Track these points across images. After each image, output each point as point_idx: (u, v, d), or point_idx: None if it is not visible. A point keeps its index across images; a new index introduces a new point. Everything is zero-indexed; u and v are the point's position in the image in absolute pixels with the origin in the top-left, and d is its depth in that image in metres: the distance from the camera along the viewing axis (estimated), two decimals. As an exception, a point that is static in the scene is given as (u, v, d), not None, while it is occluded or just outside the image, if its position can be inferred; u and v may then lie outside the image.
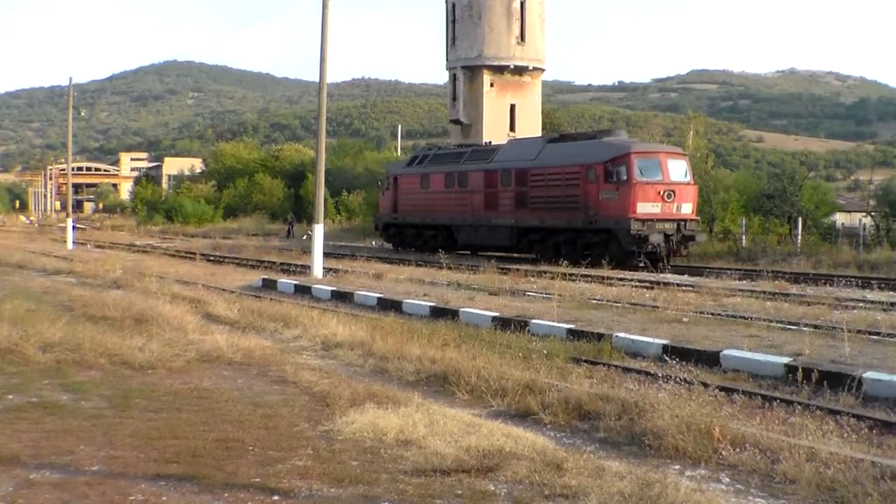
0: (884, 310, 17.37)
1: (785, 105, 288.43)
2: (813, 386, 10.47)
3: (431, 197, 38.50)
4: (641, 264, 28.61)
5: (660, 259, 29.19)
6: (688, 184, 30.58)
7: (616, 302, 18.93)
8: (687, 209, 30.13)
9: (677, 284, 21.95)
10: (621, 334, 13.90)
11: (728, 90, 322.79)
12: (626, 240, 28.87)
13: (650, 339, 13.46)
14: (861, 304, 18.43)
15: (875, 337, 13.81)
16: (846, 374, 10.53)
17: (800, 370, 10.80)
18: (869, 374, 10.52)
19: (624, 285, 22.81)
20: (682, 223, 29.77)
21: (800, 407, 9.29)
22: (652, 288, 22.01)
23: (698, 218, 31.58)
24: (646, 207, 29.16)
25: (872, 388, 10.28)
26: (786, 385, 10.89)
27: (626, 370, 11.88)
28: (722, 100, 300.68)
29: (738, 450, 7.68)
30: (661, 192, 29.34)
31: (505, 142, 39.53)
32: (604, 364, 12.17)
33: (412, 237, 39.97)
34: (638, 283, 23.26)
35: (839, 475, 6.91)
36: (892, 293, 20.78)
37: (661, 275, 25.28)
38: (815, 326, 14.83)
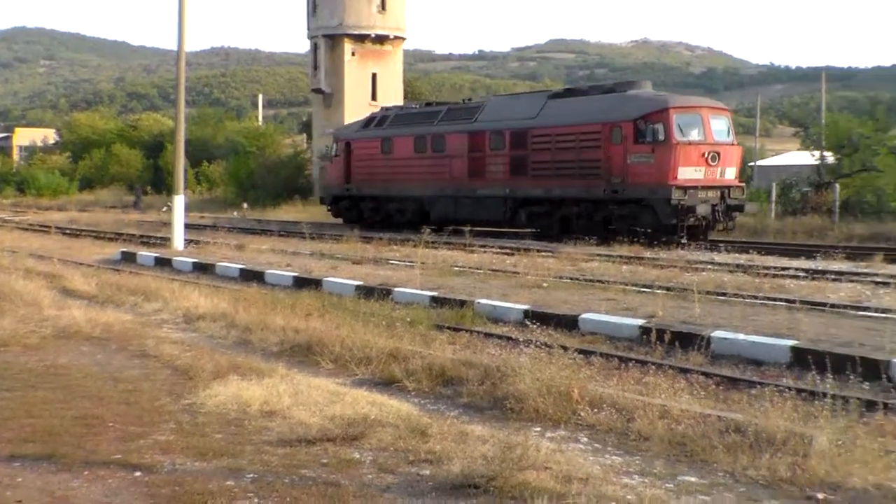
0: (730, 271, 18.11)
1: (638, 74, 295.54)
2: (666, 346, 10.90)
3: (396, 164, 33.34)
4: (683, 240, 24.69)
5: (702, 233, 25.68)
6: (731, 144, 26.59)
7: (478, 268, 19.19)
8: (731, 174, 26.18)
9: (537, 250, 22.38)
10: (483, 300, 14.13)
11: (585, 59, 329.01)
12: (664, 211, 24.58)
13: (511, 305, 13.72)
14: (710, 267, 19.16)
15: (722, 297, 14.41)
16: (696, 334, 10.99)
17: (653, 331, 11.25)
18: (717, 334, 11.01)
19: (485, 252, 23.13)
20: (727, 191, 25.73)
21: (654, 367, 9.67)
22: (512, 254, 22.39)
23: (743, 184, 27.80)
24: (688, 173, 24.91)
25: (720, 347, 10.77)
26: (641, 346, 11.31)
27: (489, 336, 12.10)
28: (579, 69, 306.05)
29: (595, 410, 7.94)
30: (706, 155, 25.15)
31: (490, 98, 35.34)
32: (466, 330, 12.36)
33: (371, 211, 34.81)
34: (499, 250, 23.62)
35: (689, 430, 7.23)
36: (737, 255, 21.69)
37: (522, 241, 25.53)
38: (668, 289, 15.40)
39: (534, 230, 28.66)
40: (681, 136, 24.89)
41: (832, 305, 13.43)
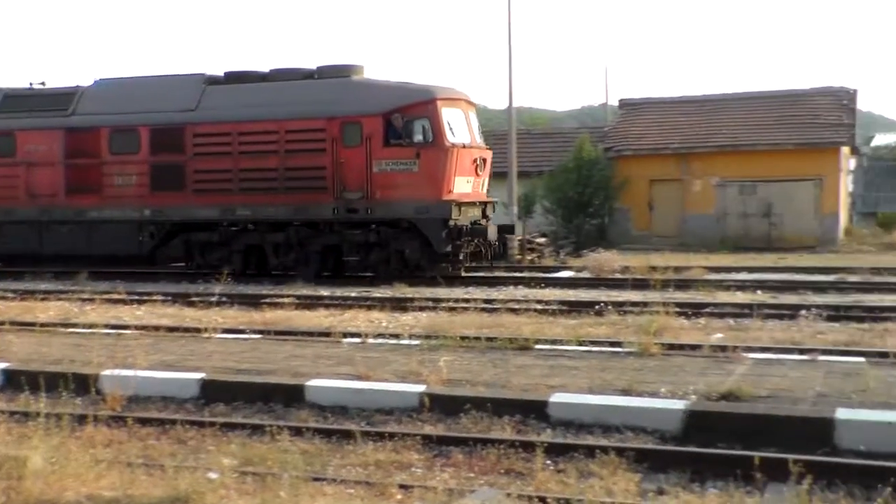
0: None
1: None
2: None
3: None
4: (461, 272, 19.89)
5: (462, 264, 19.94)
6: (488, 148, 21.69)
7: None
8: (485, 186, 21.41)
9: None
10: None
11: None
12: (438, 236, 19.05)
13: None
14: None
15: None
16: None
17: None
18: None
19: None
20: (484, 207, 20.85)
21: None
22: None
23: (496, 200, 22.71)
24: (461, 185, 19.64)
25: None
26: None
27: None
28: None
29: None
30: (476, 162, 20.19)
31: (93, 82, 23.32)
32: None
33: None
34: None
35: None
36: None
37: None
38: None
39: (194, 268, 21.56)
40: (452, 136, 19.63)
41: (42, 324, 13.71)
